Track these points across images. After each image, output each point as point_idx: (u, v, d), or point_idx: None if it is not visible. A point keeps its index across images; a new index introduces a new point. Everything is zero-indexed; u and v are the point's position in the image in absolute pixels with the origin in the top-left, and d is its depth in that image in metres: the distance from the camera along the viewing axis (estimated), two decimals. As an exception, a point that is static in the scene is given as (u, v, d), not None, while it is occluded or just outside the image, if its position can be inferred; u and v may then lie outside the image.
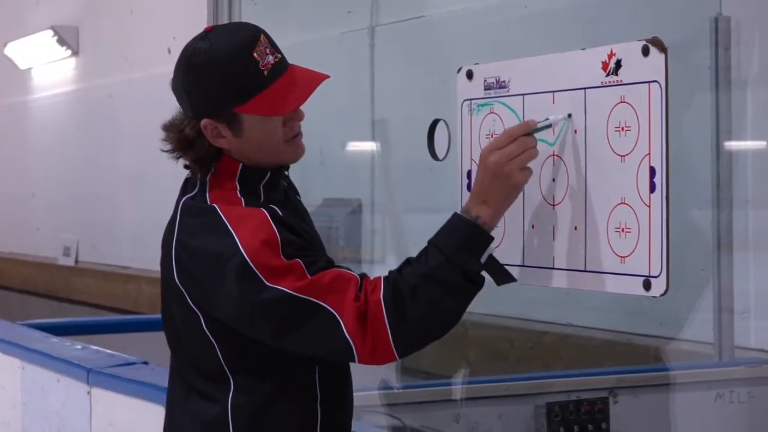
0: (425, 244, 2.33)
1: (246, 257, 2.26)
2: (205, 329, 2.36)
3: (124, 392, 3.91)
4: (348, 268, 2.31)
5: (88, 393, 4.11)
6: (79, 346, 4.53)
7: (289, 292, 2.24)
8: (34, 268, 10.43)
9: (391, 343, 2.24)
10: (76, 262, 9.73)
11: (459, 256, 2.27)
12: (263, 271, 2.25)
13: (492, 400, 3.83)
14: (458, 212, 2.33)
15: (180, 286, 2.38)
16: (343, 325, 2.23)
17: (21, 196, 10.87)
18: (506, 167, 2.30)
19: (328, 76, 2.40)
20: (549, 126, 2.39)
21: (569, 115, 2.39)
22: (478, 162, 2.37)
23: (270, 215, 2.31)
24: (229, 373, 2.37)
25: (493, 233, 2.32)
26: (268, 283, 2.25)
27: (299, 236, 2.34)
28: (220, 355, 2.37)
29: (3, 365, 4.75)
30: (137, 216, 8.57)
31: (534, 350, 5.09)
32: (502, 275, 2.36)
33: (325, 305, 2.24)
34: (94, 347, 4.52)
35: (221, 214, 2.32)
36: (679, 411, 3.87)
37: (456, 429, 3.76)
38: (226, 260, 2.28)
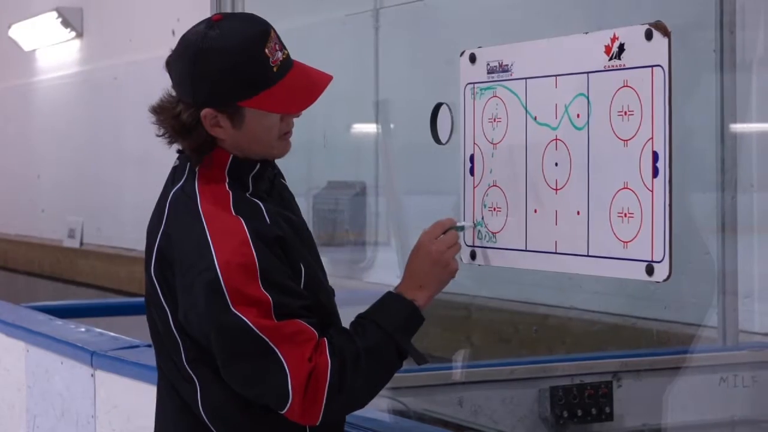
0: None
1: (219, 275, 2.26)
2: (172, 326, 2.37)
3: (128, 375, 3.91)
4: (312, 323, 2.30)
5: (92, 376, 4.11)
6: (83, 329, 4.53)
7: (250, 325, 2.25)
8: (39, 250, 10.44)
9: (322, 408, 2.28)
10: (81, 244, 9.74)
11: (398, 335, 2.35)
12: (232, 295, 2.25)
13: (495, 384, 3.82)
14: (393, 292, 2.41)
15: (154, 279, 2.39)
16: (289, 380, 2.25)
17: (26, 178, 10.87)
18: (446, 255, 2.43)
19: (332, 77, 2.41)
20: (463, 229, 2.58)
21: (475, 224, 2.57)
22: (414, 247, 2.46)
23: (252, 233, 2.29)
24: (191, 372, 2.37)
25: (491, 220, 2.34)
26: (232, 308, 2.25)
27: (284, 239, 2.33)
28: (183, 355, 2.37)
29: (7, 348, 4.76)
30: (142, 198, 8.52)
31: (537, 334, 5.08)
32: (420, 357, 2.42)
33: (278, 353, 2.25)
34: (98, 330, 4.52)
35: (205, 224, 2.31)
36: (682, 395, 3.86)
37: (459, 412, 3.75)
38: (198, 272, 2.28)
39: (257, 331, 2.24)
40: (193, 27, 2.38)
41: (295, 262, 2.36)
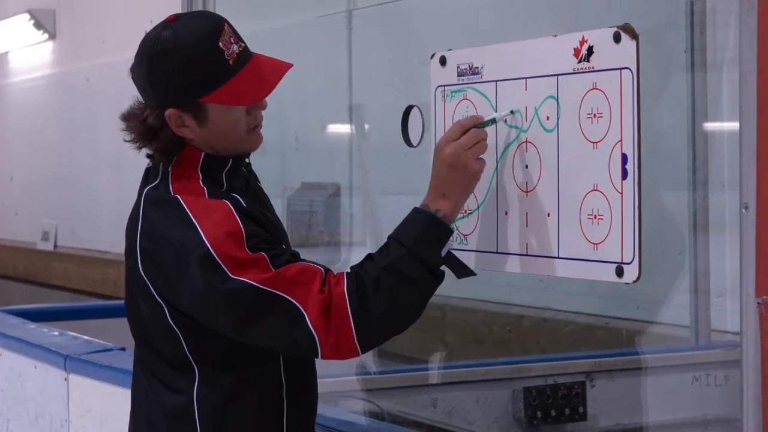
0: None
1: (210, 249, 2.26)
2: (170, 320, 2.37)
3: (102, 379, 3.91)
4: (313, 262, 2.31)
5: (66, 379, 4.10)
6: (56, 333, 4.52)
7: (253, 283, 2.24)
8: (12, 253, 10.39)
9: (355, 337, 2.25)
10: (55, 246, 9.69)
11: (419, 248, 2.28)
12: (227, 263, 2.25)
13: (469, 385, 3.83)
14: (417, 206, 2.35)
15: (144, 277, 2.38)
16: (307, 318, 2.24)
17: (-1, 181, 10.83)
18: (462, 157, 2.33)
19: (292, 65, 2.41)
20: (494, 122, 2.42)
21: (512, 112, 2.42)
22: (433, 155, 2.37)
23: (233, 206, 2.32)
24: (194, 364, 2.38)
25: (462, 223, 2.31)
26: (231, 275, 2.25)
27: (262, 225, 2.35)
28: (184, 346, 2.37)
29: (-20, 352, 4.74)
30: (116, 200, 8.53)
31: (511, 334, 5.09)
32: (462, 269, 2.38)
33: (289, 298, 2.25)
34: (72, 333, 4.51)
35: (184, 206, 2.33)
36: (656, 395, 3.87)
37: (433, 413, 3.76)
38: (189, 252, 2.28)
39: (261, 287, 2.24)
40: (150, 31, 2.39)
41: (277, 242, 2.38)
